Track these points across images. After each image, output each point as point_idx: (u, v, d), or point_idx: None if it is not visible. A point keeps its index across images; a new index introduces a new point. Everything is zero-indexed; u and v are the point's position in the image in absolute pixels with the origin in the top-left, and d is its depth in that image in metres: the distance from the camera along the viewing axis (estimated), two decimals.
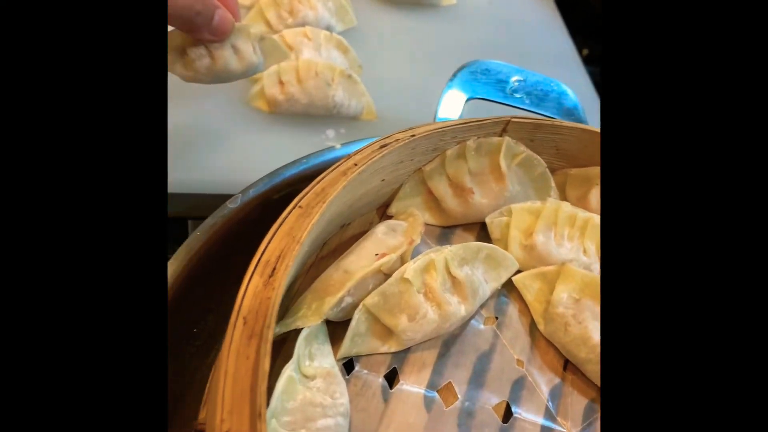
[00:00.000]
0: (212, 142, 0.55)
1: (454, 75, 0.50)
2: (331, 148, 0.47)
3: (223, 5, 0.41)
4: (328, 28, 0.64)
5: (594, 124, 0.45)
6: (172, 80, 0.44)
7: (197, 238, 0.40)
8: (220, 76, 0.44)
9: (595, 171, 0.43)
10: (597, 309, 0.36)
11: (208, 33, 0.41)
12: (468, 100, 0.49)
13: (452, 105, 0.49)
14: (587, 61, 0.83)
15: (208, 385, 0.31)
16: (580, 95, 0.53)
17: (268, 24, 0.63)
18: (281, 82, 0.57)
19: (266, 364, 0.26)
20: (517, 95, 0.51)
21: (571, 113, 0.51)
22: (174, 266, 0.38)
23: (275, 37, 0.51)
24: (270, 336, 0.27)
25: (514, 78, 0.51)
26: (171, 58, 0.43)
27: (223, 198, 0.43)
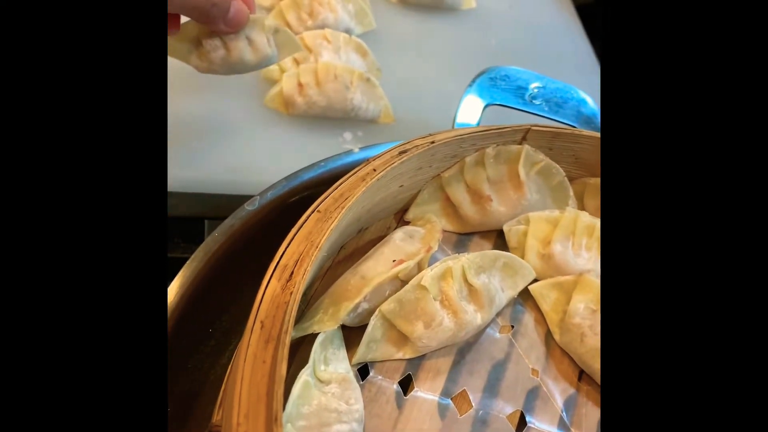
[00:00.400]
0: (229, 143, 0.56)
1: (473, 81, 0.50)
2: (349, 152, 0.47)
3: None
4: (348, 31, 0.64)
5: None
6: (190, 78, 0.44)
7: (215, 239, 0.40)
8: (234, 68, 0.45)
9: None
10: None
11: (223, 24, 0.41)
12: (487, 106, 0.49)
13: (471, 111, 0.49)
14: None
15: (223, 387, 0.31)
16: (599, 101, 0.53)
17: (288, 26, 0.63)
18: (300, 84, 0.57)
19: (283, 368, 0.26)
20: (536, 102, 0.51)
21: (590, 121, 0.51)
22: (192, 267, 0.38)
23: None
24: (287, 341, 0.27)
25: (534, 85, 0.51)
26: (186, 49, 0.43)
27: (240, 199, 0.43)
